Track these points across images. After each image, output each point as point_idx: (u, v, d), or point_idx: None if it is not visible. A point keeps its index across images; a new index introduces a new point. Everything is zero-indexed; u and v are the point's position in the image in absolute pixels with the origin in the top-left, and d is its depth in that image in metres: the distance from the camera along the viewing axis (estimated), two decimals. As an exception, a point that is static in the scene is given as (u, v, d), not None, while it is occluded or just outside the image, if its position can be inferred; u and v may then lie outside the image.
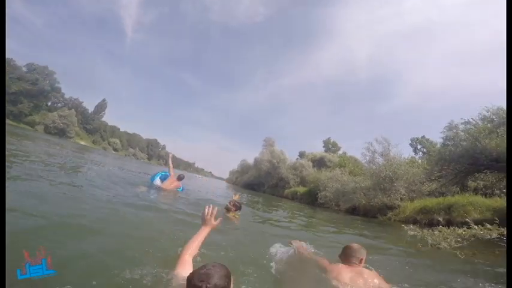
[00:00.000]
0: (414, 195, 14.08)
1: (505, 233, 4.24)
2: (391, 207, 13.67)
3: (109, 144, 75.62)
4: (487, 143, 9.46)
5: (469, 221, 4.92)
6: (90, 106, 77.39)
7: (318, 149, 43.81)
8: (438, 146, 15.67)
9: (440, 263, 4.10)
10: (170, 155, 7.73)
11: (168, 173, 7.17)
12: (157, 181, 6.82)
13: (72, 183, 4.71)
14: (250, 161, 50.71)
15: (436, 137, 32.29)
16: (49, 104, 64.49)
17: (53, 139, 35.86)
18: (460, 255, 4.13)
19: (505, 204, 8.02)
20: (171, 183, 6.91)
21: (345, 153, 40.42)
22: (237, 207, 4.95)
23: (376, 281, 2.36)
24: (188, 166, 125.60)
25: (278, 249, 2.92)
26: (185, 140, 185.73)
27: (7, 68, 54.83)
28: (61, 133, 57.80)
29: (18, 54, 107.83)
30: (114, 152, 69.50)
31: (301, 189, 28.31)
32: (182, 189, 7.33)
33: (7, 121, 49.84)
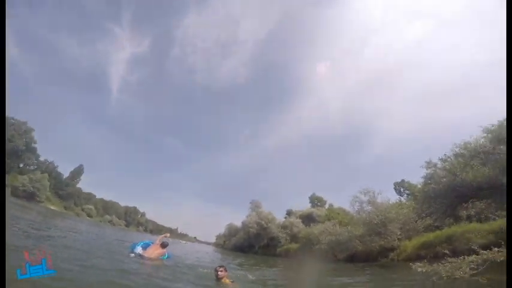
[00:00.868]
0: (410, 233, 14.25)
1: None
2: (390, 249, 13.60)
3: (83, 211, 69.75)
4: (464, 176, 10.44)
5: (475, 248, 5.17)
6: (65, 171, 74.12)
7: (305, 205, 43.70)
8: (419, 186, 16.75)
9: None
10: (166, 235, 7.56)
11: (150, 242, 6.86)
12: (139, 249, 6.33)
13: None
14: (237, 223, 49.03)
15: (416, 178, 34.97)
16: (21, 165, 61.18)
17: (20, 202, 33.03)
18: (481, 280, 4.25)
19: (503, 225, 8.40)
20: (154, 251, 6.40)
21: (331, 205, 40.72)
22: (224, 270, 4.93)
23: None
24: (171, 232, 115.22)
25: None
26: (166, 205, 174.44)
27: None
28: (29, 197, 53.26)
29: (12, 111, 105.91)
30: (88, 219, 63.67)
31: (294, 246, 27.50)
32: (167, 257, 6.77)
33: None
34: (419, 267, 5.32)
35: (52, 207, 53.82)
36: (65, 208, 64.39)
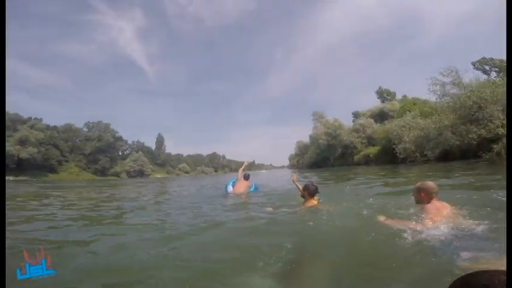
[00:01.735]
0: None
1: None
2: (493, 140, 11.47)
3: (180, 170, 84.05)
4: None
5: None
6: (151, 144, 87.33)
7: (372, 103, 39.92)
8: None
9: None
10: (245, 164, 7.56)
11: (235, 179, 7.20)
12: (230, 188, 6.80)
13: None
14: (306, 140, 49.66)
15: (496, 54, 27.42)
16: (120, 153, 75.02)
17: (137, 180, 41.60)
18: None
19: None
20: (241, 186, 6.71)
21: (405, 96, 35.79)
22: (310, 190, 3.61)
23: (459, 211, 2.47)
24: (250, 165, 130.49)
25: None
26: (238, 143, 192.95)
27: (71, 134, 65.78)
28: (140, 174, 66.86)
29: (67, 118, 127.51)
30: (186, 175, 77.00)
31: (372, 150, 26.35)
32: (255, 188, 6.94)
33: (98, 177, 60.01)
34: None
35: (158, 176, 66.51)
36: (167, 173, 78.69)
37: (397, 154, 18.76)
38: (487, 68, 27.89)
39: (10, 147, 47.66)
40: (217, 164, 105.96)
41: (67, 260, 2.00)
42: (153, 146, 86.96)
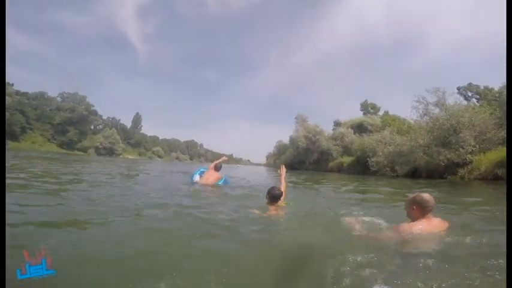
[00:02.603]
0: (486, 145, 11.92)
1: None
2: (460, 164, 11.78)
3: (153, 153, 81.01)
4: None
5: None
6: (127, 122, 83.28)
7: (355, 115, 40.73)
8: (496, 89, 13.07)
9: None
10: (224, 158, 7.10)
11: (205, 169, 6.49)
12: (197, 177, 6.17)
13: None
14: (286, 140, 49.83)
15: (483, 82, 29.60)
16: (92, 127, 70.72)
17: (105, 159, 39.24)
18: None
19: None
20: (209, 177, 6.03)
21: (387, 112, 36.79)
22: (273, 196, 3.31)
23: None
24: (227, 159, 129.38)
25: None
26: (218, 133, 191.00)
27: (42, 102, 61.09)
28: (110, 152, 63.37)
29: (42, 86, 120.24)
30: (159, 159, 74.25)
31: (347, 160, 26.83)
32: (225, 181, 6.28)
33: (63, 150, 56.10)
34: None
35: (130, 157, 63.47)
36: (139, 155, 75.50)
37: (370, 166, 19.03)
38: (470, 94, 29.29)
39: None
40: (193, 152, 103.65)
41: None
42: (129, 125, 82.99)
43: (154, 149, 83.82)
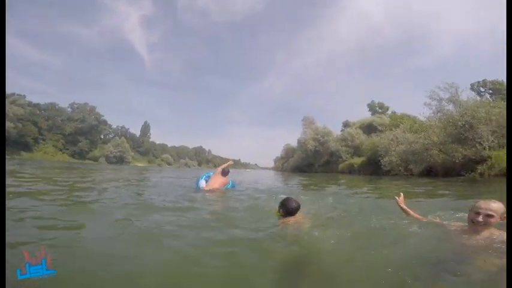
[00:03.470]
0: (505, 140, 11.50)
1: None
2: (478, 161, 11.36)
3: (162, 161, 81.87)
4: None
5: None
6: (135, 131, 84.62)
7: (363, 115, 40.19)
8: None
9: None
10: (230, 162, 6.62)
11: (211, 173, 6.22)
12: (202, 183, 5.88)
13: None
14: (293, 144, 49.44)
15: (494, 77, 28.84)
16: (102, 136, 72.10)
17: (115, 167, 39.77)
18: None
19: None
20: (215, 182, 5.79)
21: (394, 112, 36.23)
22: (290, 210, 2.75)
23: None
24: (235, 164, 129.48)
25: None
26: (226, 139, 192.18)
27: (53, 113, 62.67)
28: (120, 160, 64.35)
29: (52, 96, 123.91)
30: (168, 166, 74.94)
31: (357, 160, 26.33)
32: (232, 186, 6.15)
33: (75, 160, 57.23)
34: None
35: (139, 165, 64.27)
36: (149, 162, 76.38)
37: (382, 166, 18.64)
38: (482, 90, 28.64)
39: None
40: (202, 158, 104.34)
41: None
42: (138, 133, 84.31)
43: (163, 156, 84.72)
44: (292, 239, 2.34)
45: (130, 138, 77.12)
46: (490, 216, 1.85)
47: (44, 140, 58.28)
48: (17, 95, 56.23)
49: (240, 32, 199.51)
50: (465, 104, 13.40)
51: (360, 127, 34.57)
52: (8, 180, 6.00)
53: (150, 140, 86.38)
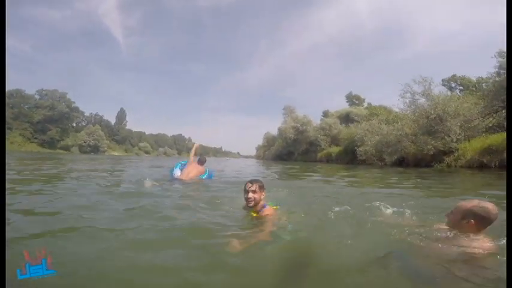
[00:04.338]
0: (471, 133, 12.34)
1: None
2: (446, 153, 12.17)
3: (140, 149, 79.03)
4: None
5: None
6: (111, 118, 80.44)
7: (342, 106, 41.18)
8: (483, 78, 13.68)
9: None
10: (196, 145, 6.47)
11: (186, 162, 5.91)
12: (177, 172, 5.57)
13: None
14: (274, 132, 49.78)
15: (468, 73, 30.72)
16: (74, 124, 67.83)
17: (90, 156, 37.83)
18: None
19: None
20: (191, 171, 5.49)
21: (370, 104, 37.51)
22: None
23: None
24: (217, 152, 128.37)
25: None
26: (207, 126, 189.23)
27: (19, 100, 57.96)
28: (95, 149, 61.21)
29: (19, 83, 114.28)
30: (146, 155, 72.55)
31: (335, 149, 27.21)
32: (208, 175, 5.75)
33: (45, 149, 53.73)
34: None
35: (115, 153, 61.61)
36: (125, 151, 73.45)
37: (358, 155, 19.38)
38: (453, 85, 30.31)
39: None
40: (181, 147, 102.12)
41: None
42: (113, 121, 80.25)
43: (141, 144, 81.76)
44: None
45: (105, 125, 73.29)
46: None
47: (9, 128, 53.81)
48: (-24, 81, 50.99)
49: (223, 17, 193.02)
50: (437, 98, 14.07)
51: (339, 117, 35.40)
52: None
53: (127, 127, 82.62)
